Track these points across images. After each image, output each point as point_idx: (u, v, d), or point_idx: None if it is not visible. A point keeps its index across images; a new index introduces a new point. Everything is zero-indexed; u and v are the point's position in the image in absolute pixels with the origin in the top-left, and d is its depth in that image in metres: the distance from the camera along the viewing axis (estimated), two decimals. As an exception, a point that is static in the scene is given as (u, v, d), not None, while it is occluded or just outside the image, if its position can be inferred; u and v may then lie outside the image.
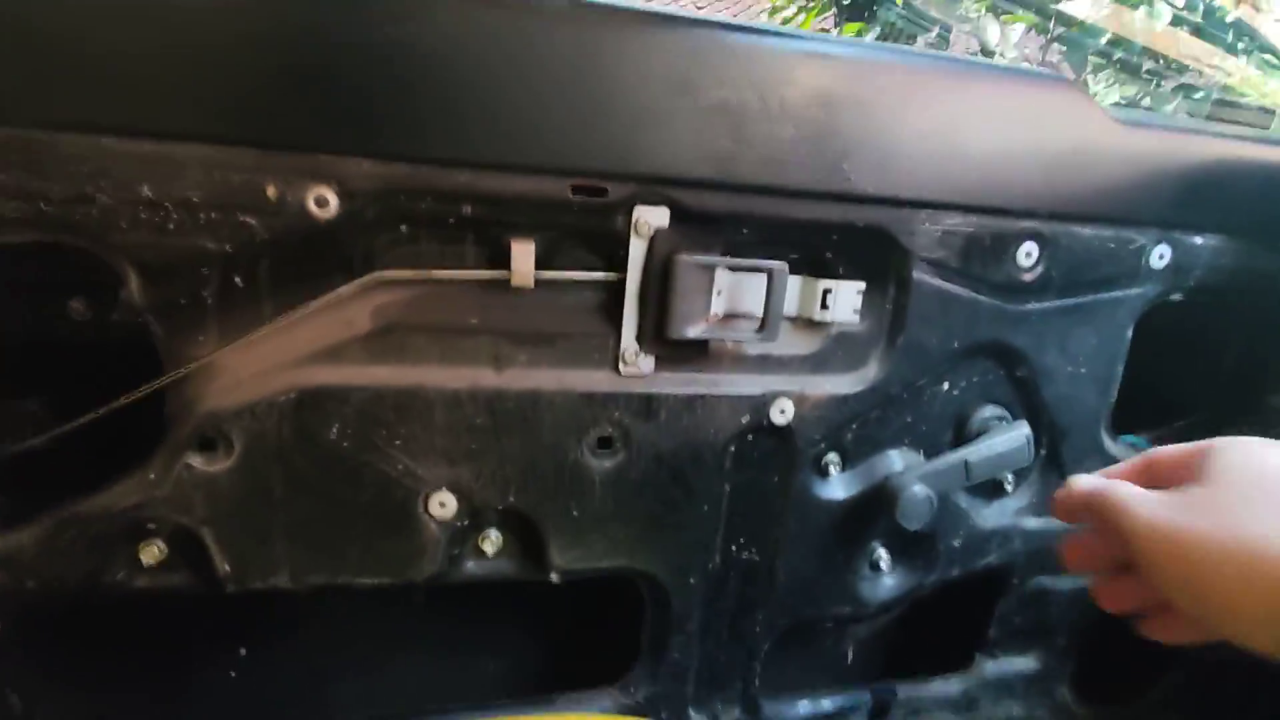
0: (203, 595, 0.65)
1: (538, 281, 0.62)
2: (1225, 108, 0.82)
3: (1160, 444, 0.89)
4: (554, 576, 0.71)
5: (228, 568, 0.62)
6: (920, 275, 0.70)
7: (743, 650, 0.81)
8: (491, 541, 0.69)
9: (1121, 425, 0.86)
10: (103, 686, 0.75)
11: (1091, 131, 0.69)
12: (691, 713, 0.82)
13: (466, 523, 0.67)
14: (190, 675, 0.78)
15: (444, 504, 0.65)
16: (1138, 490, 0.45)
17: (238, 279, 0.57)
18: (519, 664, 0.89)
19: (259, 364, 0.59)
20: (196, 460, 0.59)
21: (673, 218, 0.62)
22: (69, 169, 0.50)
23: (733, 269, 0.65)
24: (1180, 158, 0.72)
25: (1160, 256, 0.76)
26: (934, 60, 0.64)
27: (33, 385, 0.69)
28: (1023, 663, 0.95)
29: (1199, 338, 0.91)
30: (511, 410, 0.64)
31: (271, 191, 0.54)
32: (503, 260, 0.61)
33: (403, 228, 0.59)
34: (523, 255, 0.61)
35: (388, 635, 0.83)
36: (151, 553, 0.61)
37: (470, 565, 0.70)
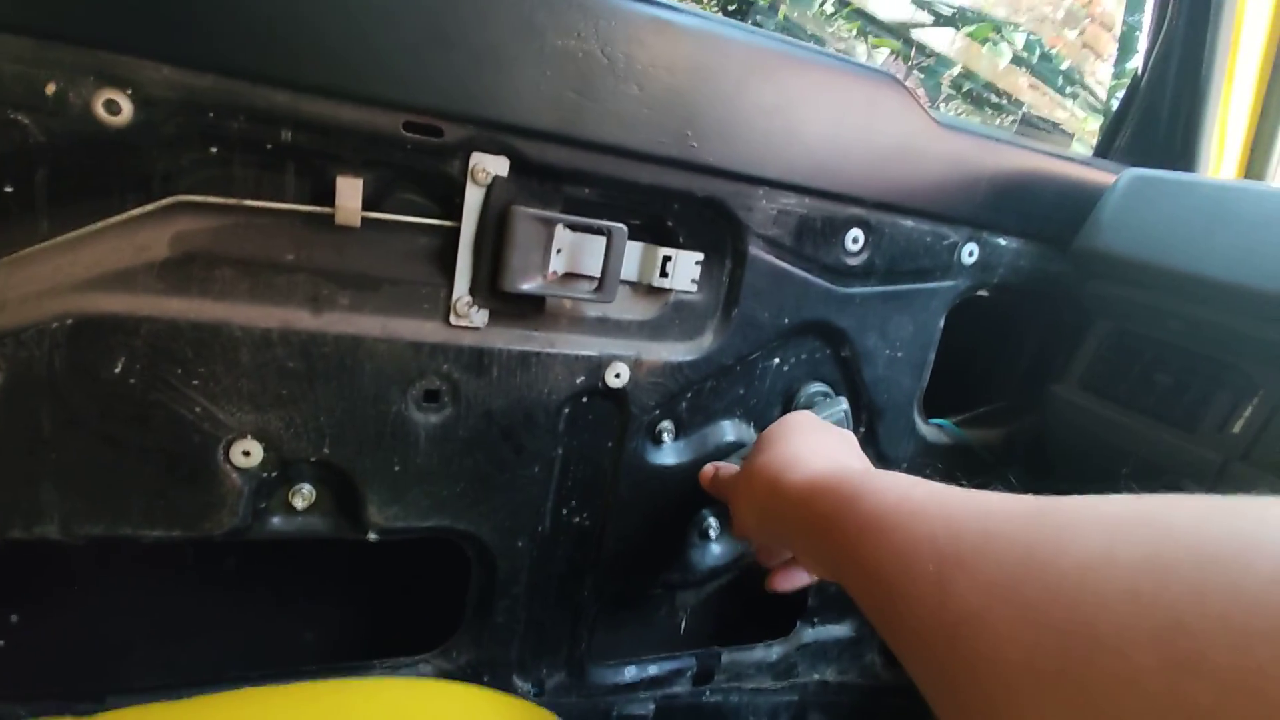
0: None
1: (365, 221, 0.59)
2: (1030, 126, 0.91)
3: (965, 427, 0.98)
4: (371, 535, 0.68)
5: None
6: (756, 251, 0.72)
7: (570, 615, 0.81)
8: (303, 496, 0.65)
9: (931, 409, 0.93)
10: None
11: (915, 129, 0.74)
12: (515, 679, 0.81)
13: (274, 474, 0.62)
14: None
15: (248, 453, 0.60)
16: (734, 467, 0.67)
17: (7, 186, 0.50)
18: (332, 629, 0.85)
19: (29, 285, 0.52)
20: None
21: (512, 168, 0.61)
22: None
23: (571, 227, 0.64)
24: (991, 163, 0.79)
25: (970, 253, 0.83)
26: (779, 42, 0.67)
27: None
28: (839, 630, 1.02)
29: (1000, 331, 1.01)
30: (329, 355, 0.60)
31: (51, 89, 0.48)
32: (327, 196, 0.58)
33: (212, 149, 0.54)
34: (349, 191, 0.57)
35: (188, 597, 0.77)
36: None
37: (277, 521, 0.65)
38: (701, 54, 0.62)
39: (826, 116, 0.69)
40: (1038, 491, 0.31)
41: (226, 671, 0.74)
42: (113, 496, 0.58)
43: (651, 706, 0.90)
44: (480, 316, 0.65)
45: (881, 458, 0.90)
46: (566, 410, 0.71)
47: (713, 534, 0.84)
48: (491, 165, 0.60)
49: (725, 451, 0.80)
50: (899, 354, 0.85)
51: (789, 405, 0.83)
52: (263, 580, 0.85)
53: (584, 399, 0.71)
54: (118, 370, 0.55)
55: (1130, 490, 0.28)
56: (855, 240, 0.76)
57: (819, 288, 0.77)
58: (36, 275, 0.53)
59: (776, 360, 0.80)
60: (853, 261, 0.77)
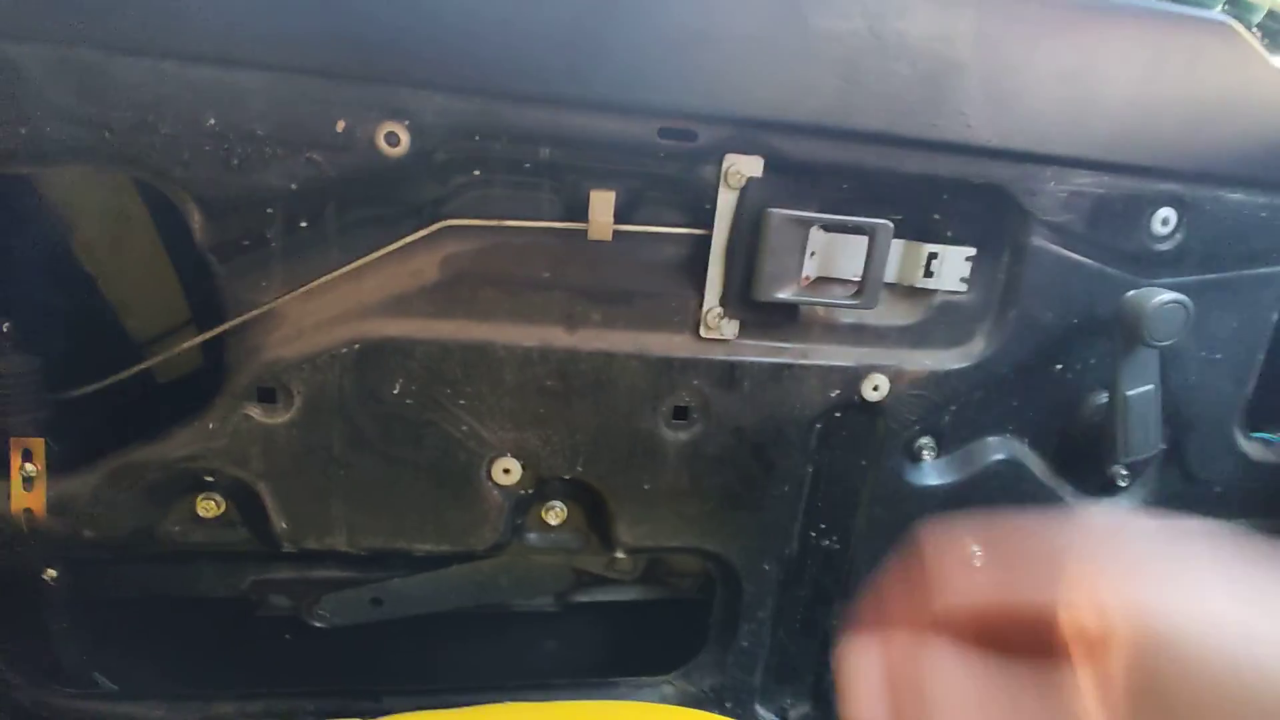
0: (258, 553, 0.63)
1: (616, 235, 0.57)
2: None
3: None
4: (619, 553, 0.67)
5: (284, 525, 0.60)
6: (1039, 241, 0.62)
7: (817, 643, 0.75)
8: (556, 513, 0.65)
9: (1256, 421, 0.77)
10: (160, 641, 0.74)
11: (1252, 81, 0.60)
12: (758, 707, 0.77)
13: (530, 491, 0.63)
14: (255, 636, 0.77)
15: (508, 470, 0.61)
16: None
17: (303, 221, 0.53)
18: (575, 643, 0.86)
19: (322, 313, 0.56)
20: (255, 411, 0.56)
21: (767, 168, 0.56)
22: (129, 95, 0.47)
23: (828, 228, 0.59)
24: None
25: None
26: None
27: (90, 331, 0.68)
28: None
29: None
30: (584, 373, 0.59)
31: (340, 126, 0.50)
32: (580, 211, 0.57)
33: (476, 172, 0.55)
34: (602, 205, 0.56)
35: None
36: (208, 506, 0.59)
37: (532, 537, 0.66)
38: (985, 20, 0.54)
39: (1136, 75, 0.58)
40: None
41: (482, 678, 0.76)
42: (391, 512, 0.61)
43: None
44: (731, 328, 0.61)
45: (1190, 479, 0.75)
46: (819, 425, 0.65)
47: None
48: (745, 166, 0.56)
49: (994, 473, 0.71)
50: (1216, 356, 0.70)
51: (1072, 419, 0.72)
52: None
53: (838, 413, 0.65)
54: (396, 391, 0.57)
55: None
56: (1165, 221, 0.64)
57: (1116, 280, 0.65)
58: (327, 303, 0.56)
59: (1059, 366, 0.69)
60: (1161, 247, 0.65)
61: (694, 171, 0.56)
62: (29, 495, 0.56)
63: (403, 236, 0.55)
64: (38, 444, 0.56)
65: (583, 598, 0.81)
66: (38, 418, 0.56)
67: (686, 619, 0.79)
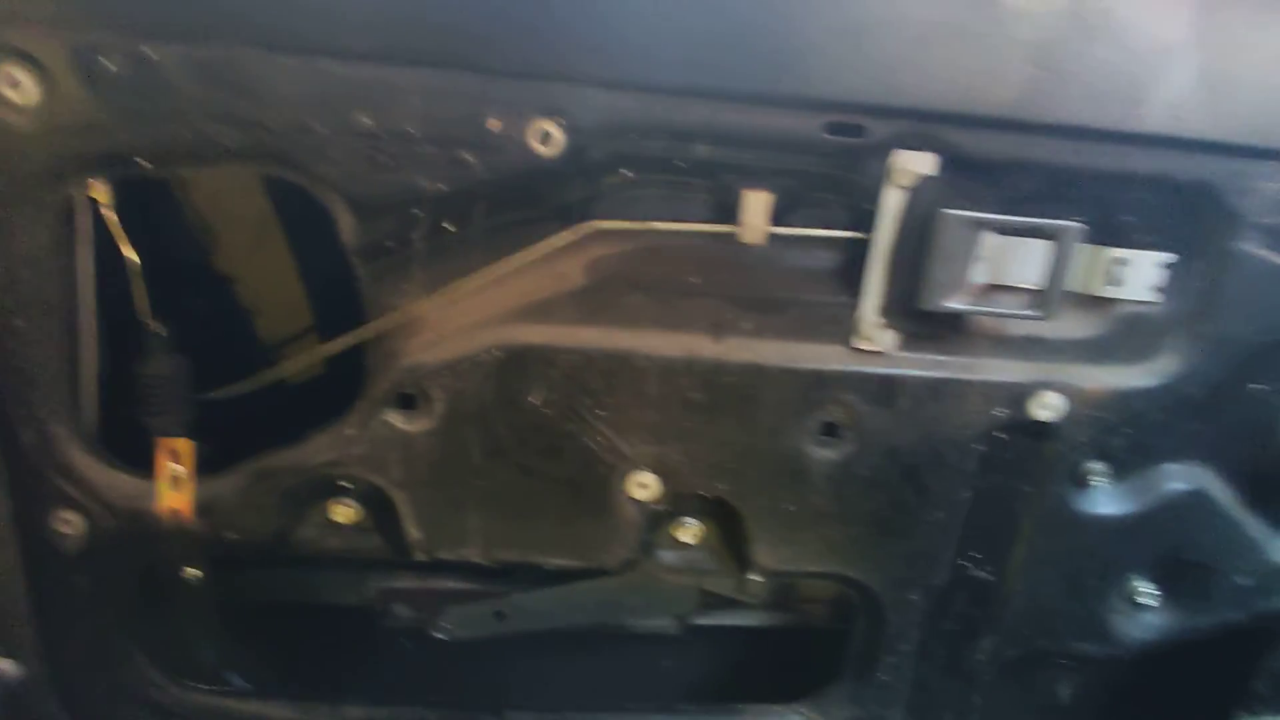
0: (383, 562, 0.62)
1: (769, 239, 0.54)
2: None
3: None
4: (755, 577, 0.63)
5: (419, 534, 0.58)
6: (1247, 246, 0.55)
7: (961, 680, 0.70)
8: (690, 531, 0.62)
9: None
10: (287, 645, 0.74)
11: None
12: None
13: (666, 508, 0.60)
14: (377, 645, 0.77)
15: (645, 485, 0.58)
16: None
17: (449, 223, 0.52)
18: (694, 666, 0.82)
19: (464, 317, 0.54)
20: (395, 418, 0.55)
21: (940, 165, 0.51)
22: (284, 93, 0.46)
23: (1007, 230, 0.53)
24: None
25: None
26: None
27: (226, 335, 0.68)
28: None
29: None
30: (730, 385, 0.56)
31: (494, 124, 0.48)
32: (732, 213, 0.53)
33: (627, 171, 0.52)
34: (756, 207, 0.52)
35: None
36: (345, 512, 0.58)
37: (664, 555, 0.63)
38: (1205, -6, 0.48)
39: None
40: None
41: (600, 698, 0.74)
42: (526, 524, 0.59)
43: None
44: (889, 339, 0.56)
45: None
46: (980, 447, 0.60)
47: (1147, 600, 0.67)
48: (916, 164, 0.51)
49: (1174, 504, 0.63)
50: None
51: (1269, 446, 0.64)
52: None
53: (1002, 434, 0.60)
54: (536, 400, 0.55)
55: None
56: None
57: None
58: (471, 308, 0.54)
59: (1258, 387, 0.61)
60: None
61: (858, 170, 0.52)
62: (176, 495, 0.56)
63: (548, 239, 0.53)
64: (185, 445, 0.56)
65: (706, 620, 0.77)
66: (185, 419, 0.56)
67: (814, 647, 0.74)
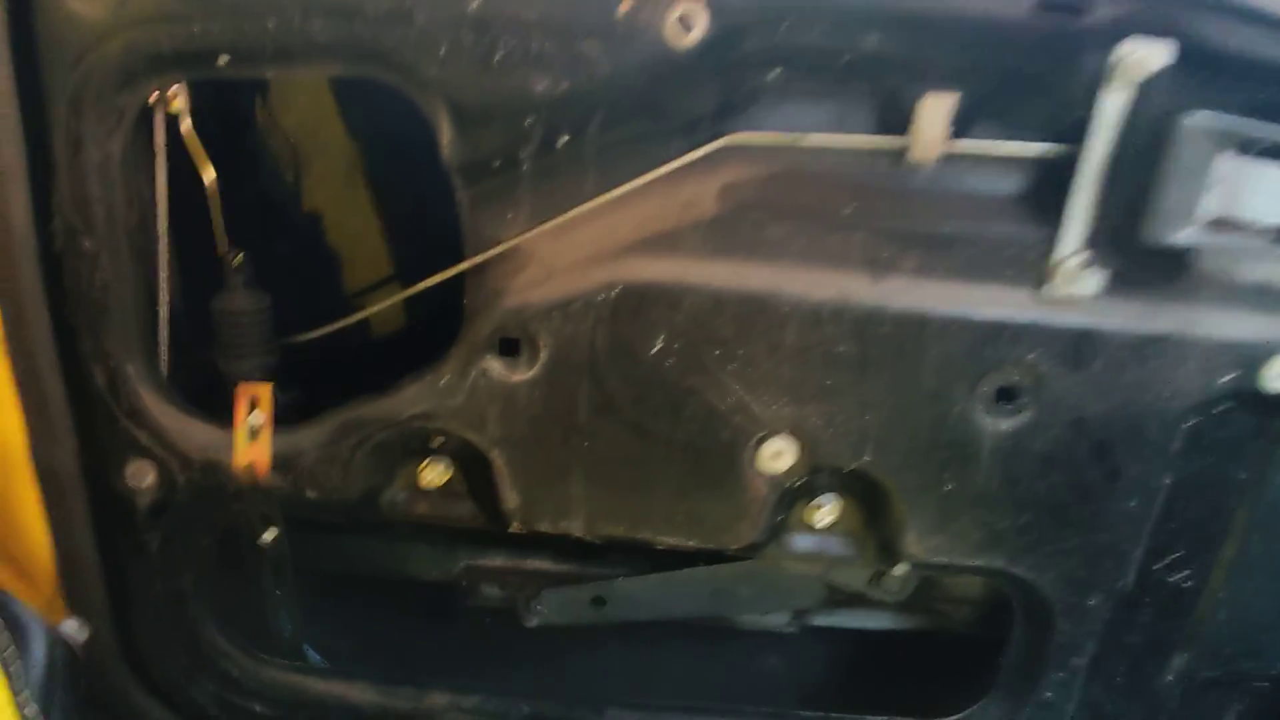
0: (472, 536, 0.55)
1: (945, 157, 0.44)
2: None
3: None
4: (901, 568, 0.54)
5: (516, 502, 0.51)
6: None
7: (1143, 704, 0.59)
8: (826, 511, 0.53)
9: None
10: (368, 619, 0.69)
11: None
12: None
13: (799, 483, 0.51)
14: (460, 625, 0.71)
15: (779, 454, 0.49)
16: None
17: (563, 136, 0.44)
18: (809, 668, 0.74)
19: (576, 251, 0.47)
20: (495, 366, 0.48)
21: (1180, 57, 0.41)
22: None
23: (1260, 151, 0.42)
24: None
25: None
26: None
27: (309, 276, 0.63)
28: None
29: None
30: (887, 337, 0.46)
31: (625, 5, 0.40)
32: (900, 125, 0.44)
33: (775, 71, 0.43)
34: (934, 113, 0.43)
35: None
36: (435, 471, 0.52)
37: (794, 540, 0.55)
38: None
39: None
40: None
41: (705, 696, 0.66)
42: (636, 495, 0.51)
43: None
44: (1093, 281, 0.46)
45: None
46: (1192, 422, 0.49)
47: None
48: (1147, 56, 0.41)
49: None
50: None
51: None
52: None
53: (1220, 406, 0.49)
54: (656, 350, 0.47)
55: None
56: None
57: None
58: (582, 239, 0.47)
59: None
60: None
61: (1069, 65, 0.42)
62: (254, 447, 0.51)
63: (675, 158, 0.45)
64: (265, 390, 0.50)
65: (826, 621, 0.68)
66: (267, 362, 0.51)
67: (956, 655, 0.64)
